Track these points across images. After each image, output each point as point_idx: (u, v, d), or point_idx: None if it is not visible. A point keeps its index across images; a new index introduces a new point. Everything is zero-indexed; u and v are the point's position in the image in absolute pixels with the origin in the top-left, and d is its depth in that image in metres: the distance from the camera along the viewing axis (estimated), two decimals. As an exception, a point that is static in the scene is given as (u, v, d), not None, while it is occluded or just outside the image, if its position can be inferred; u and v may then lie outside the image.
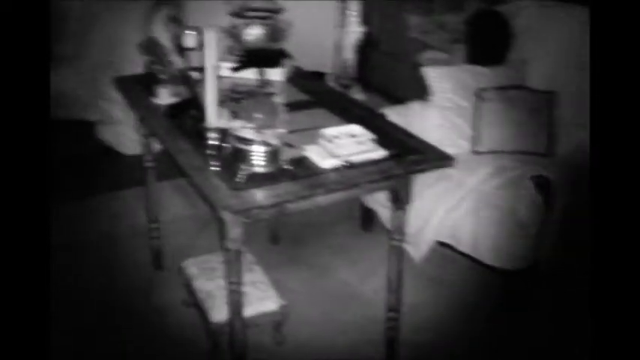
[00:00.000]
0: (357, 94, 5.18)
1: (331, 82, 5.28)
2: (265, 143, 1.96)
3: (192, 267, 2.83)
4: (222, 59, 2.92)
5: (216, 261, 2.81)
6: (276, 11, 2.78)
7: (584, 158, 2.85)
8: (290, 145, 2.16)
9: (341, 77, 5.08)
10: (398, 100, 4.11)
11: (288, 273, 3.22)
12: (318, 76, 4.96)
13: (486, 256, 2.87)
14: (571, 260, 2.91)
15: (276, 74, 2.79)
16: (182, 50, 2.71)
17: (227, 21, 2.92)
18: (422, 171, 2.19)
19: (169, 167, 2.43)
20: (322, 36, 5.30)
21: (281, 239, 3.48)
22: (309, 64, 5.05)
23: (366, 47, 5.35)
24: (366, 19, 5.35)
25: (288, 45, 3.11)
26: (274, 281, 2.79)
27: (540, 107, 3.17)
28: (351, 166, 2.05)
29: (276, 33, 2.67)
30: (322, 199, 2.03)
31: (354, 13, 5.02)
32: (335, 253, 3.43)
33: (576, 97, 3.13)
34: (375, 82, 5.47)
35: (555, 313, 2.88)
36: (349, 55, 5.08)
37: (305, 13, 5.09)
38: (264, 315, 2.64)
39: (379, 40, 5.42)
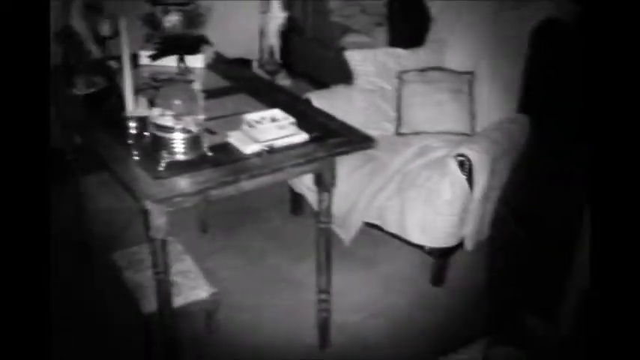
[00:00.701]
0: (283, 80, 5.18)
1: (257, 69, 5.26)
2: (185, 130, 1.94)
3: (120, 259, 2.78)
4: (141, 47, 2.88)
5: (145, 252, 2.77)
6: (195, -3, 2.75)
7: (500, 137, 2.96)
8: (211, 132, 2.14)
9: (266, 63, 5.05)
10: (324, 84, 4.13)
11: (220, 261, 3.20)
12: (244, 62, 4.93)
13: (413, 236, 2.93)
14: (494, 235, 3.01)
15: (196, 61, 2.77)
16: (99, 39, 2.65)
17: (145, 8, 2.88)
18: (344, 153, 2.21)
19: (92, 160, 2.38)
20: (247, 22, 5.26)
21: (212, 227, 3.46)
22: (234, 51, 5.03)
23: (290, 33, 5.34)
24: (289, 4, 5.34)
25: (212, 32, 3.08)
26: (206, 270, 2.78)
27: (460, 87, 3.25)
28: (273, 151, 2.06)
29: (194, 19, 2.65)
30: (246, 185, 2.03)
31: (276, -2, 5.01)
32: (266, 238, 3.43)
33: (491, 77, 3.22)
34: (300, 68, 5.47)
35: (482, 288, 2.97)
36: (274, 41, 5.06)
37: (230, 1, 5.05)
38: (196, 304, 2.62)
39: (303, 25, 5.42)
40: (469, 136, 3.17)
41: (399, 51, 3.39)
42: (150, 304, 2.49)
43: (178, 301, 2.56)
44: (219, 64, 2.97)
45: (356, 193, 3.02)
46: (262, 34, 5.23)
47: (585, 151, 1.80)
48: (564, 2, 3.07)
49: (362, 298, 2.98)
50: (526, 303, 2.30)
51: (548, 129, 2.51)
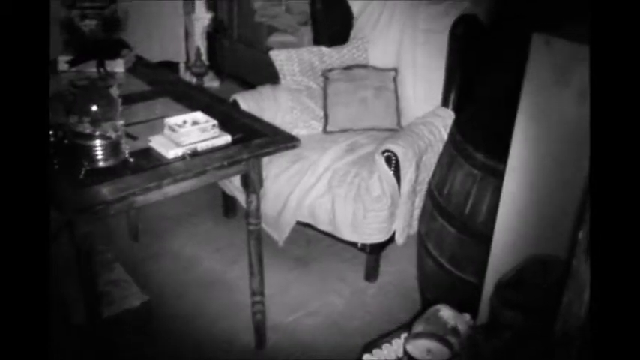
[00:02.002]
0: (211, 82, 5.15)
1: (184, 71, 5.21)
2: (104, 137, 1.91)
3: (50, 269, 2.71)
4: (60, 53, 2.81)
5: (73, 262, 2.71)
6: (112, 0, 2.70)
7: (424, 131, 3.02)
8: (133, 137, 2.11)
9: (193, 65, 5.01)
10: (252, 85, 4.12)
11: (153, 267, 3.16)
12: (170, 65, 4.88)
13: (345, 233, 2.95)
14: (424, 227, 3.06)
15: (116, 65, 2.72)
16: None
17: (62, 13, 2.81)
18: (269, 154, 2.21)
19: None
20: (172, 24, 5.21)
21: (143, 234, 3.41)
22: (160, 54, 4.97)
23: (217, 34, 5.31)
24: (214, 5, 5.31)
25: (135, 35, 3.03)
26: (138, 278, 2.74)
27: (385, 84, 3.29)
28: (196, 154, 2.04)
29: (113, 23, 2.60)
30: (171, 190, 2.01)
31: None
32: (199, 242, 3.40)
33: (414, 73, 3.28)
34: (228, 69, 5.45)
35: (413, 282, 3.01)
36: (200, 42, 5.02)
37: (152, 2, 4.99)
38: (128, 312, 2.59)
39: (229, 26, 5.40)
40: (395, 131, 3.22)
41: (324, 49, 3.41)
42: (80, 315, 2.44)
43: (110, 310, 2.53)
44: (141, 67, 2.92)
45: (286, 192, 3.03)
46: (188, 35, 5.18)
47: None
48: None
49: (297, 297, 2.99)
50: (450, 292, 2.35)
51: (466, 123, 2.57)
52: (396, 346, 1.43)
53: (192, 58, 5.10)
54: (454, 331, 1.34)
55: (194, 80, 4.99)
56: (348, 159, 3.07)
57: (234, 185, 3.24)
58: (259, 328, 2.63)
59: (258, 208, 2.38)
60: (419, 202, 2.99)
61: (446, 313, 1.42)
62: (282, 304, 2.90)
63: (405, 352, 1.25)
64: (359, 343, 2.60)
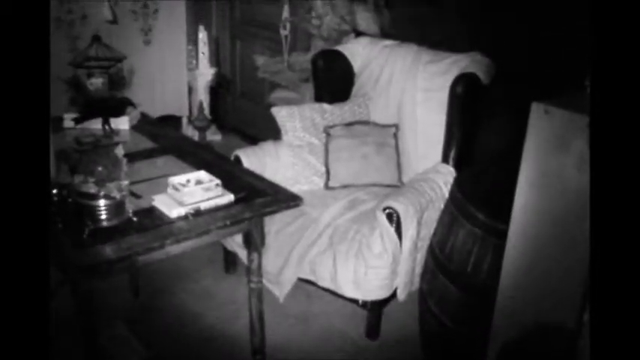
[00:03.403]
0: (214, 135, 5.19)
1: (186, 125, 5.26)
2: (108, 197, 1.92)
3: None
4: (65, 110, 2.85)
5: (73, 317, 2.70)
6: (118, 59, 2.75)
7: (425, 187, 3.03)
8: (136, 196, 2.13)
9: (196, 119, 5.05)
10: (254, 139, 4.16)
11: (153, 324, 3.13)
12: (173, 119, 4.93)
13: (346, 289, 2.93)
14: (425, 285, 3.05)
15: (121, 123, 2.76)
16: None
17: (69, 71, 2.86)
18: (271, 213, 2.22)
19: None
20: (175, 80, 5.29)
21: (144, 289, 3.39)
22: (163, 108, 5.03)
23: (220, 88, 5.38)
24: (217, 60, 5.40)
25: (139, 91, 3.08)
26: (140, 333, 2.72)
27: (385, 140, 3.32)
28: (199, 214, 2.06)
29: (118, 81, 2.64)
30: (173, 249, 2.02)
31: (204, 55, 5.04)
32: (199, 298, 3.38)
33: (415, 129, 3.32)
34: (230, 123, 5.51)
35: (416, 339, 2.99)
36: (203, 97, 5.07)
37: (156, 58, 5.08)
38: (127, 371, 2.56)
39: (232, 81, 5.48)
40: (396, 187, 3.24)
41: (325, 106, 3.46)
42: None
43: (108, 368, 2.50)
44: (146, 124, 2.96)
45: (288, 249, 3.03)
46: (191, 90, 5.24)
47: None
48: (480, 57, 3.22)
49: (298, 354, 2.96)
50: (452, 354, 2.33)
51: (467, 181, 2.59)
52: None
53: (195, 112, 5.15)
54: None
55: (196, 134, 5.03)
56: (349, 215, 3.08)
57: (235, 241, 3.24)
58: (260, 387, 2.61)
59: (259, 266, 2.38)
60: (420, 258, 2.98)
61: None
62: (283, 362, 2.87)
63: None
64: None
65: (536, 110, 1.52)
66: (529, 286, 1.72)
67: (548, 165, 1.54)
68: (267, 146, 3.41)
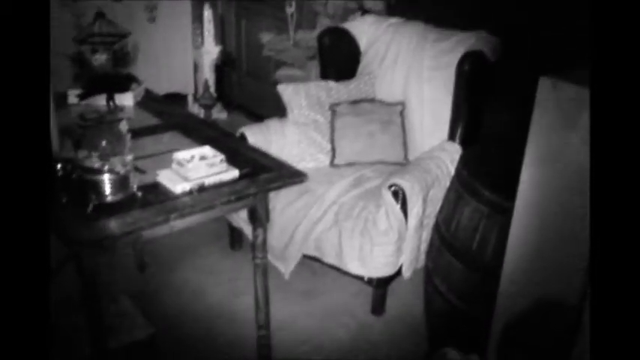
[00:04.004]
0: (219, 114, 5.18)
1: (192, 103, 5.25)
2: (112, 171, 1.92)
3: (53, 300, 2.71)
4: (70, 86, 2.84)
5: (78, 295, 2.71)
6: (123, 35, 2.73)
7: (431, 165, 3.02)
8: (141, 171, 2.13)
9: (202, 98, 5.05)
10: (260, 117, 4.15)
11: (158, 300, 3.15)
12: (179, 97, 4.92)
13: (352, 266, 2.94)
14: (430, 262, 3.05)
15: (125, 99, 2.74)
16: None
17: (73, 47, 2.85)
18: (276, 189, 2.22)
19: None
20: (181, 58, 5.27)
21: (149, 265, 3.40)
22: (169, 86, 5.02)
23: (225, 66, 5.36)
24: (223, 38, 5.37)
25: (144, 68, 3.07)
26: (144, 309, 2.72)
27: (391, 118, 3.31)
28: (203, 189, 2.05)
29: (123, 57, 2.63)
30: (178, 224, 2.02)
31: (209, 33, 5.02)
32: (204, 274, 3.39)
33: (421, 107, 3.30)
34: (236, 101, 5.50)
35: (420, 316, 2.99)
36: (208, 75, 5.06)
37: (161, 36, 5.06)
38: (133, 344, 2.57)
39: (237, 59, 5.45)
40: (402, 165, 3.23)
41: (331, 83, 3.44)
42: (84, 347, 2.43)
43: (114, 343, 2.51)
44: (150, 101, 2.95)
45: (293, 225, 3.03)
46: (197, 68, 5.23)
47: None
48: (486, 35, 3.18)
49: (303, 331, 2.97)
50: (458, 329, 2.33)
51: (473, 159, 2.58)
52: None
53: (201, 90, 5.14)
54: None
55: (202, 112, 5.03)
56: (354, 193, 3.08)
57: (240, 217, 3.24)
58: (265, 363, 2.62)
59: (264, 242, 2.38)
60: (426, 235, 2.98)
61: (453, 356, 1.40)
62: (288, 339, 2.88)
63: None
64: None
65: (544, 85, 1.50)
66: (534, 263, 1.71)
67: (555, 140, 1.52)
68: (273, 124, 3.40)
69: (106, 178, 1.92)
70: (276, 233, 3.06)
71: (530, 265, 1.72)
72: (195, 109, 5.16)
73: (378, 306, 3.09)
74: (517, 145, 1.82)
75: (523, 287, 1.74)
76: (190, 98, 5.35)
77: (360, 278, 3.00)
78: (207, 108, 5.00)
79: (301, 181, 2.26)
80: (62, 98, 2.79)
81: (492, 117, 3.08)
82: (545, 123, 1.53)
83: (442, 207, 2.70)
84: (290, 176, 2.26)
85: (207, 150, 2.19)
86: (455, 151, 3.10)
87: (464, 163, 2.60)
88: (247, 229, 3.20)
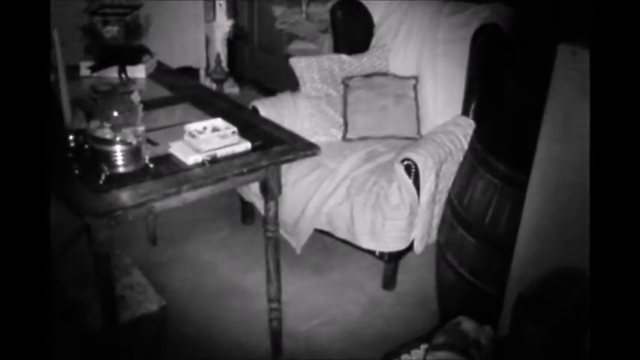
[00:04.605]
0: (231, 88, 5.16)
1: (204, 77, 5.23)
2: (124, 142, 1.91)
3: (65, 274, 2.73)
4: (82, 58, 2.83)
5: (91, 266, 2.72)
6: (134, 7, 2.71)
7: (444, 140, 3.00)
8: (153, 143, 2.12)
9: (214, 72, 5.03)
10: (272, 91, 4.12)
11: (169, 273, 3.16)
12: (190, 71, 4.89)
13: (363, 241, 2.93)
14: (443, 237, 3.04)
15: (137, 71, 2.73)
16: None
17: (84, 19, 2.83)
18: (288, 161, 2.20)
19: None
20: (193, 31, 5.23)
21: (161, 239, 3.41)
22: (181, 60, 5.00)
23: (237, 40, 5.33)
24: (235, 12, 5.33)
25: (156, 42, 3.04)
26: (155, 282, 2.73)
27: (404, 92, 3.27)
28: (215, 161, 2.04)
29: (134, 29, 2.61)
30: (190, 196, 2.01)
31: (221, 6, 4.98)
32: (216, 249, 3.40)
33: (435, 81, 3.26)
34: (248, 75, 5.46)
35: (432, 291, 2.99)
36: (220, 49, 5.03)
37: (173, 10, 5.03)
38: (144, 317, 2.58)
39: (249, 33, 5.41)
40: (415, 140, 3.20)
41: (344, 57, 3.40)
42: (96, 319, 2.44)
43: (126, 315, 2.52)
44: (162, 73, 2.93)
45: (305, 200, 3.02)
46: (209, 42, 5.20)
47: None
48: (502, 7, 3.13)
49: (314, 305, 2.97)
50: (470, 303, 2.32)
51: (487, 133, 2.55)
52: (415, 356, 1.41)
53: (213, 64, 5.12)
54: (476, 344, 1.32)
55: (214, 86, 5.00)
56: (367, 167, 3.06)
57: (252, 191, 3.23)
58: (276, 336, 2.62)
59: (276, 215, 2.37)
60: (438, 211, 2.96)
61: (467, 325, 1.40)
62: (299, 312, 2.88)
63: (425, 363, 1.23)
64: (375, 353, 2.58)
65: (563, 52, 1.47)
66: (549, 234, 1.69)
67: (573, 109, 1.49)
68: (285, 97, 3.38)
69: (118, 149, 1.91)
70: (288, 208, 3.05)
71: (546, 235, 1.71)
72: (206, 83, 5.14)
73: (389, 281, 3.08)
74: (532, 118, 1.79)
75: (538, 258, 1.72)
76: (202, 72, 5.32)
77: (371, 253, 2.99)
78: (219, 82, 4.98)
79: (314, 154, 2.24)
80: (74, 70, 2.77)
81: (507, 90, 3.04)
82: (564, 91, 1.50)
83: (455, 181, 2.69)
84: (303, 149, 2.24)
85: (219, 122, 2.17)
86: (468, 125, 3.07)
87: (478, 137, 2.57)
88: (259, 204, 3.20)
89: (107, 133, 1.90)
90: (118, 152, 1.91)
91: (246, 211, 3.56)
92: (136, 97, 1.97)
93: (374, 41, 3.55)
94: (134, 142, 1.92)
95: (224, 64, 5.10)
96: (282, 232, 2.80)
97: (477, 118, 3.09)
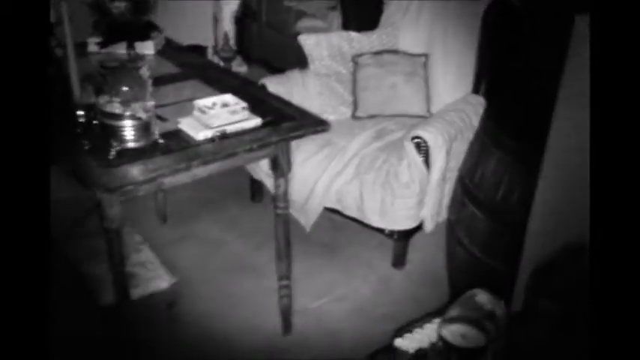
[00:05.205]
0: (239, 67, 5.12)
1: (212, 56, 5.20)
2: (134, 117, 1.90)
3: (77, 251, 2.74)
4: (90, 34, 2.81)
5: (102, 244, 2.72)
6: (142, -18, 2.69)
7: (455, 118, 2.97)
8: (162, 119, 2.10)
9: (221, 50, 4.99)
10: (280, 70, 4.09)
11: (179, 250, 3.16)
12: (198, 49, 4.86)
13: (373, 219, 2.93)
14: (453, 215, 3.02)
15: (146, 48, 2.71)
16: (44, 26, 2.58)
17: (92, -5, 2.81)
18: (298, 137, 2.18)
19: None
20: (201, 9, 5.19)
21: (171, 217, 3.42)
22: (188, 38, 4.96)
23: (245, 18, 5.28)
24: (243, -10, 5.28)
25: (164, 19, 3.02)
26: (165, 260, 2.74)
27: (414, 70, 3.24)
28: (225, 137, 2.03)
29: (142, 5, 2.59)
30: (200, 171, 2.00)
31: (229, -16, 4.94)
32: (225, 227, 3.40)
33: (445, 59, 3.23)
34: (256, 54, 5.42)
35: (441, 270, 2.98)
36: (228, 27, 5.00)
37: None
38: (155, 294, 2.60)
39: (257, 10, 5.36)
40: (425, 118, 3.18)
41: (353, 34, 3.37)
42: (108, 296, 2.45)
43: (137, 292, 2.54)
44: (171, 50, 2.91)
45: (314, 178, 3.01)
46: (216, 20, 5.16)
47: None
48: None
49: (323, 283, 2.98)
50: (481, 281, 2.31)
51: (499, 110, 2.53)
52: (428, 330, 1.40)
53: (220, 42, 5.08)
54: (491, 316, 1.31)
55: (222, 65, 4.97)
56: (376, 145, 3.04)
57: (261, 169, 3.23)
58: (286, 313, 2.63)
59: (286, 192, 2.36)
60: (448, 189, 2.95)
61: (482, 297, 1.39)
62: (309, 290, 2.89)
63: (440, 336, 1.22)
64: (385, 330, 2.57)
65: (580, 23, 1.44)
66: (562, 211, 1.67)
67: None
68: (294, 75, 3.36)
69: (128, 124, 1.90)
70: (297, 186, 3.04)
71: (560, 211, 1.69)
72: (214, 61, 5.10)
73: (398, 259, 3.08)
74: (544, 94, 1.77)
75: (552, 233, 1.71)
76: (210, 50, 5.29)
77: (380, 231, 2.98)
78: (227, 61, 4.95)
79: (324, 130, 2.22)
80: (82, 47, 2.75)
81: (519, 66, 3.00)
82: (581, 63, 1.47)
83: (466, 159, 2.67)
84: (313, 125, 2.22)
85: (229, 98, 2.16)
86: (479, 103, 3.04)
87: (489, 113, 2.55)
88: (268, 182, 3.19)
89: (117, 108, 1.89)
90: (128, 127, 1.90)
91: (255, 189, 3.55)
92: (145, 72, 1.95)
93: (384, 18, 3.51)
94: (144, 117, 1.91)
95: (232, 42, 5.06)
96: (291, 210, 2.79)
97: (488, 96, 3.06)
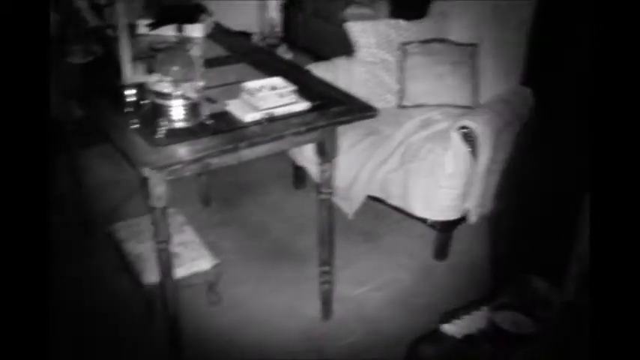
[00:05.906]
0: (284, 54, 5.12)
1: (257, 42, 5.21)
2: (184, 97, 1.91)
3: (121, 231, 2.77)
4: (140, 16, 2.84)
5: (145, 223, 2.75)
6: (193, -34, 2.70)
7: (503, 109, 2.92)
8: (211, 100, 2.11)
9: (267, 37, 5.01)
10: (325, 58, 4.08)
11: (222, 233, 3.19)
12: (245, 36, 4.88)
13: (416, 209, 2.90)
14: (497, 209, 2.98)
15: (195, 30, 2.73)
16: (96, 7, 2.61)
17: (143, -23, 2.83)
18: (346, 122, 2.17)
19: (93, 132, 2.35)
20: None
21: (214, 200, 3.44)
22: (235, 25, 4.97)
23: (291, 6, 5.28)
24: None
25: (213, 4, 3.04)
26: (207, 242, 2.76)
27: (463, 59, 3.20)
28: (273, 119, 2.03)
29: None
30: (246, 153, 2.00)
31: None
32: (268, 211, 3.41)
33: (494, 49, 3.17)
34: (301, 41, 5.42)
35: (485, 263, 2.95)
36: (274, 14, 5.00)
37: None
38: (197, 275, 2.62)
39: (304, -2, 5.36)
40: (471, 108, 3.13)
41: (401, 22, 3.34)
42: (151, 275, 2.48)
43: (180, 272, 2.55)
44: (220, 34, 2.92)
45: (358, 165, 3.00)
46: (263, 7, 5.17)
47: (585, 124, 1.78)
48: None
49: (364, 271, 2.97)
50: (531, 269, 2.28)
51: (551, 102, 2.48)
52: (477, 317, 1.38)
53: (267, 29, 5.10)
54: (546, 303, 1.28)
55: (267, 51, 4.99)
56: (422, 134, 3.01)
57: (304, 156, 3.22)
58: (326, 299, 2.62)
59: (331, 177, 2.35)
60: (494, 181, 2.90)
61: (538, 283, 1.36)
62: (350, 278, 2.88)
63: (491, 322, 1.20)
64: (425, 320, 2.57)
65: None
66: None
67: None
68: (340, 62, 3.34)
69: (177, 104, 1.91)
70: (341, 172, 3.02)
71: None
72: (260, 48, 5.12)
73: (441, 250, 3.05)
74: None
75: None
76: (256, 37, 5.30)
77: (423, 221, 2.96)
78: (273, 48, 4.96)
79: (372, 116, 2.21)
80: (132, 28, 2.78)
81: (571, 55, 2.94)
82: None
83: (513, 151, 2.62)
84: (361, 110, 2.21)
85: (277, 81, 2.16)
86: (528, 95, 2.99)
87: (538, 105, 2.50)
88: (311, 168, 3.19)
89: (166, 87, 1.90)
90: (177, 107, 1.92)
91: (299, 175, 3.55)
92: (195, 52, 1.96)
93: (432, 6, 3.47)
94: (193, 97, 1.92)
95: (278, 29, 5.07)
96: (334, 197, 2.78)
97: (537, 87, 3.00)
